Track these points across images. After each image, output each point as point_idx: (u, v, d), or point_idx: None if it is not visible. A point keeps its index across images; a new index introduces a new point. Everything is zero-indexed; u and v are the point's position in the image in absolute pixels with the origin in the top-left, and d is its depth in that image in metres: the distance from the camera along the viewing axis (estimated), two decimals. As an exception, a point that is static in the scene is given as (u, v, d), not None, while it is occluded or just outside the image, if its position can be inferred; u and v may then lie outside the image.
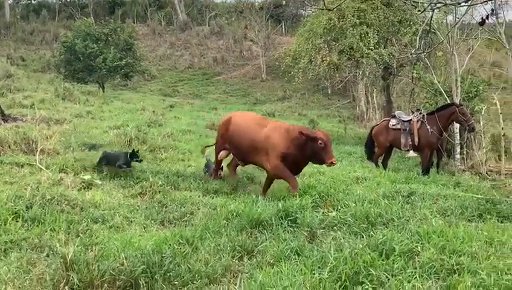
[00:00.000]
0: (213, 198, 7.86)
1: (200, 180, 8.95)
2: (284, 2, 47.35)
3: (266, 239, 5.58)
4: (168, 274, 4.58)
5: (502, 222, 6.68)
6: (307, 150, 7.85)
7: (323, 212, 6.64)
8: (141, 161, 9.19)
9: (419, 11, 4.94)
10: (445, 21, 17.50)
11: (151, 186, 7.91)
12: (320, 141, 7.66)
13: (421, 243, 5.13)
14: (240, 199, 7.57)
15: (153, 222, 6.56)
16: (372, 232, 5.64)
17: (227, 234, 5.67)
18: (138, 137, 11.60)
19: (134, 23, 44.51)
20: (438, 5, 5.28)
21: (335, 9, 16.67)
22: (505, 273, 4.43)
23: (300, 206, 6.55)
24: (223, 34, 45.07)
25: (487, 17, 4.71)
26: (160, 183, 8.06)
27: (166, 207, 7.13)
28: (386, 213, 6.47)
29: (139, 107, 20.10)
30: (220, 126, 9.38)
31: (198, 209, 7.11)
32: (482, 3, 5.88)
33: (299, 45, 19.48)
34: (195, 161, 10.94)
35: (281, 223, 6.05)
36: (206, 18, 48.44)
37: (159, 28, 46.64)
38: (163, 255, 4.81)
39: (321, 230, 5.99)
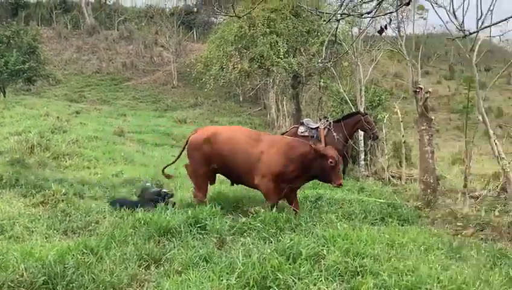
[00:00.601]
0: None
1: (107, 188, 8.68)
2: (196, 9, 47.34)
3: (174, 247, 5.48)
4: (70, 285, 4.39)
5: (402, 225, 7.04)
6: (313, 167, 7.10)
7: (232, 219, 6.68)
8: (172, 195, 7.89)
9: (324, 21, 5.07)
10: (350, 32, 18.20)
11: (53, 195, 7.57)
12: (331, 160, 6.93)
13: (327, 247, 5.26)
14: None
15: (55, 231, 6.23)
16: (280, 237, 5.72)
17: (133, 243, 5.50)
18: (41, 144, 11.10)
19: (38, 25, 42.71)
20: (342, 15, 5.46)
21: (245, 17, 16.89)
22: (405, 274, 4.63)
23: (210, 213, 6.52)
24: (132, 39, 44.16)
25: (385, 27, 4.94)
26: (63, 191, 7.73)
27: (69, 216, 6.79)
28: (294, 218, 6.62)
29: (42, 113, 19.19)
30: (197, 143, 7.67)
31: (104, 218, 6.83)
32: (384, 15, 6.14)
33: (211, 52, 19.53)
34: (102, 169, 10.61)
35: (190, 231, 5.98)
36: (115, 22, 47.36)
37: (65, 31, 44.94)
38: (66, 265, 4.59)
39: (231, 236, 6.01)
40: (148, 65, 41.72)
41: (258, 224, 6.29)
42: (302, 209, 7.37)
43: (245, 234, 6.10)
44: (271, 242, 5.57)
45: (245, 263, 4.68)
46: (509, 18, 5.45)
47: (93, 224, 6.56)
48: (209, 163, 7.53)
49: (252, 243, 5.55)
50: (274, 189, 7.17)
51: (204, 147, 7.51)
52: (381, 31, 5.05)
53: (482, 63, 40.97)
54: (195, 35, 47.03)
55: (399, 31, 16.87)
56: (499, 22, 5.78)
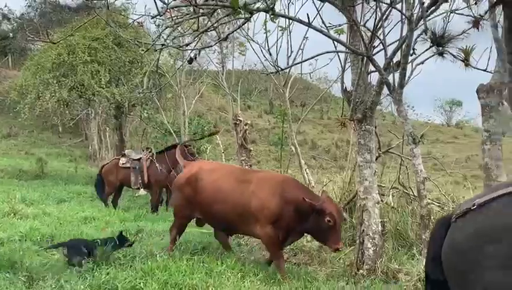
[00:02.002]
0: None
1: None
2: (11, 34, 44.24)
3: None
4: None
5: (222, 254, 7.16)
6: (307, 222, 5.86)
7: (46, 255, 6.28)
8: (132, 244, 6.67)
9: (143, 50, 5.07)
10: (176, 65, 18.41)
11: None
12: (329, 218, 5.63)
13: (145, 279, 5.15)
14: None
15: None
16: (97, 272, 5.47)
17: None
18: None
19: None
20: (162, 46, 5.51)
21: (64, 44, 16.19)
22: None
23: (20, 249, 6.05)
24: None
25: (195, 57, 5.10)
26: None
27: None
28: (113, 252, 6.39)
29: None
30: (180, 184, 6.82)
31: None
32: (203, 48, 6.32)
33: (26, 79, 18.26)
34: None
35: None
36: None
37: None
38: None
39: (44, 274, 5.60)
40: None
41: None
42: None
43: (59, 270, 5.73)
44: (86, 278, 5.30)
45: (55, 302, 4.38)
46: (314, 57, 5.99)
47: None
48: None
49: (66, 280, 5.23)
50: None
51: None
52: (190, 61, 5.21)
53: (299, 99, 44.25)
54: (10, 62, 43.77)
55: (223, 66, 17.62)
56: (306, 60, 6.33)
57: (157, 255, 6.21)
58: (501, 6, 3.14)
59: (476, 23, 4.75)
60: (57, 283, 5.15)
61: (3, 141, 29.35)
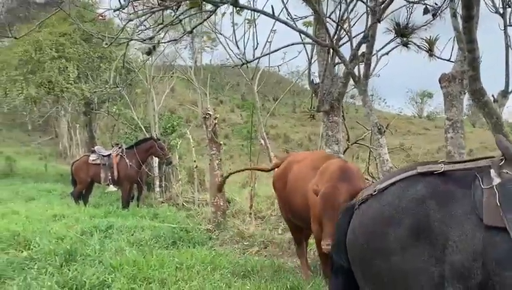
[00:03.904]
0: None
1: None
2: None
3: None
4: None
5: (193, 247, 7.15)
6: None
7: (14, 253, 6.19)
8: None
9: (106, 44, 5.02)
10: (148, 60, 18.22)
11: None
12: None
13: (114, 274, 5.13)
14: None
15: None
16: (66, 269, 5.42)
17: None
18: None
19: None
20: (125, 40, 5.46)
21: (30, 40, 15.92)
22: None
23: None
24: None
25: (154, 48, 5.08)
26: None
27: None
28: (82, 248, 6.33)
29: None
30: (273, 183, 6.20)
31: None
32: (168, 42, 6.28)
33: (-8, 77, 17.88)
34: None
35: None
36: None
37: None
38: None
39: (10, 272, 5.52)
40: None
41: (42, 257, 5.92)
42: (92, 239, 7.09)
43: (26, 268, 5.66)
44: (53, 275, 5.24)
45: (21, 299, 4.33)
46: (280, 49, 6.00)
47: None
48: None
49: (33, 278, 5.16)
50: None
51: None
52: (148, 52, 5.20)
53: (272, 94, 44.33)
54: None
55: (195, 60, 17.55)
56: (272, 52, 6.35)
57: (127, 251, 6.18)
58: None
59: (426, 10, 4.82)
60: (24, 280, 5.09)
61: (-30, 140, 28.81)
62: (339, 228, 2.65)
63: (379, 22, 4.84)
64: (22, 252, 6.32)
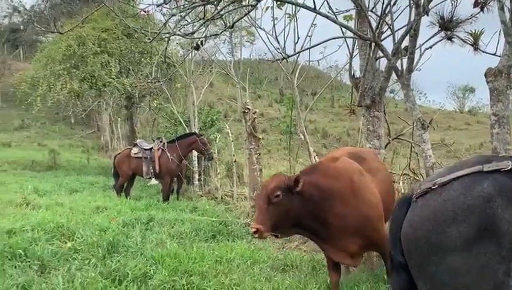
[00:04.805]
0: None
1: None
2: (22, 27, 44.46)
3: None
4: None
5: (233, 241, 7.20)
6: None
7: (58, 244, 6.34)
8: None
9: (148, 39, 5.08)
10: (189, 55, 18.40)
11: None
12: None
13: (155, 267, 5.21)
14: None
15: None
16: (109, 261, 5.53)
17: None
18: None
19: None
20: (167, 34, 5.51)
21: (74, 35, 16.25)
22: (231, 288, 4.75)
23: (32, 239, 6.12)
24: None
25: (201, 43, 5.12)
26: None
27: None
28: (124, 240, 6.45)
29: None
30: None
31: None
32: (209, 36, 6.31)
33: (37, 71, 18.34)
34: None
35: (8, 259, 5.53)
36: None
37: None
38: None
39: (55, 262, 5.67)
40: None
41: (85, 248, 6.07)
42: (134, 231, 7.21)
43: (70, 259, 5.80)
44: (97, 266, 5.36)
45: (66, 288, 4.44)
46: (321, 43, 5.95)
47: None
48: None
49: (78, 269, 5.30)
50: None
51: None
52: (197, 48, 5.22)
53: (310, 88, 44.08)
54: (21, 55, 44.05)
55: (233, 55, 17.61)
56: (313, 46, 6.30)
57: (168, 243, 6.27)
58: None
59: (477, 3, 4.69)
60: (68, 271, 5.21)
61: (16, 133, 29.64)
62: (394, 222, 2.58)
63: (427, 15, 4.73)
64: (66, 243, 6.44)
